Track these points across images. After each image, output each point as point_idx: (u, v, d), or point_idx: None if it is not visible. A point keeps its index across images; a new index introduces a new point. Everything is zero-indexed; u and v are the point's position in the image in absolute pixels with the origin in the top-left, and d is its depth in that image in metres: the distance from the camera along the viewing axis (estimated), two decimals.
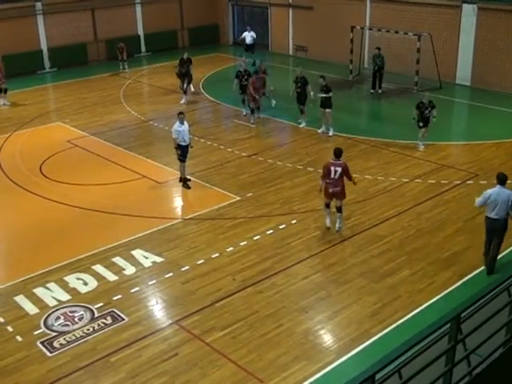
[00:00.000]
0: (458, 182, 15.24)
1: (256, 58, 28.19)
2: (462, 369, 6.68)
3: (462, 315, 6.49)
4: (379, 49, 23.64)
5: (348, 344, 9.56)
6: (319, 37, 28.51)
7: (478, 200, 11.16)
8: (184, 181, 15.47)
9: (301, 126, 19.64)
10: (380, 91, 23.91)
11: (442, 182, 15.29)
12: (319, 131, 18.54)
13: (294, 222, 13.43)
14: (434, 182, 15.31)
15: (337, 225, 12.92)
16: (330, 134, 18.39)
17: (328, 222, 12.97)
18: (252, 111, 20.08)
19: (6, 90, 23.06)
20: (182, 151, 15.26)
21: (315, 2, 28.61)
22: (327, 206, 12.90)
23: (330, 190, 12.53)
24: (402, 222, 13.39)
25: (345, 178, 12.64)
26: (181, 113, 15.38)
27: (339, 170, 12.42)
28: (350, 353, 9.37)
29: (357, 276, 11.40)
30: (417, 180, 15.45)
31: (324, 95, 17.97)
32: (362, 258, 12.00)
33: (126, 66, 28.20)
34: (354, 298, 10.74)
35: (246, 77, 20.21)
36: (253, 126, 19.89)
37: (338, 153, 12.62)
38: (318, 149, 17.83)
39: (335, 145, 17.94)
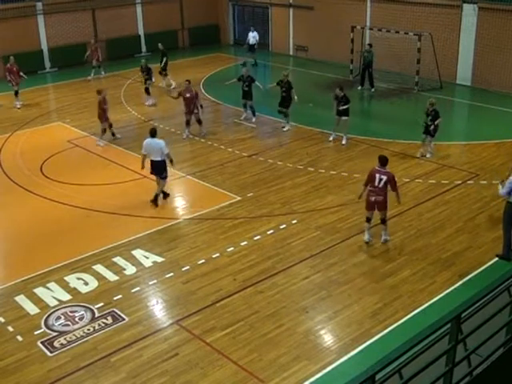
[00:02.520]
0: (459, 182, 15.24)
1: (257, 58, 28.28)
2: (463, 369, 6.67)
3: (463, 315, 6.49)
4: (370, 45, 23.77)
5: (348, 344, 9.56)
6: (320, 37, 28.51)
7: (502, 191, 11.29)
8: (157, 196, 14.49)
9: (284, 129, 19.51)
10: (373, 90, 23.91)
11: (443, 182, 15.29)
12: (330, 138, 18.37)
13: (294, 221, 13.43)
14: (434, 182, 15.31)
15: (382, 237, 12.46)
16: (344, 142, 18.08)
17: (367, 237, 12.44)
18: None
19: (16, 92, 23.01)
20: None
21: (316, 2, 28.61)
22: (368, 220, 12.36)
23: (372, 199, 12.06)
24: (402, 222, 13.39)
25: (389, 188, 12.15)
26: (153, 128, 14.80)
27: (384, 178, 11.93)
28: (351, 353, 9.38)
29: (357, 276, 11.40)
30: (417, 180, 15.45)
31: (344, 107, 17.69)
32: (362, 258, 12.00)
33: (102, 71, 27.28)
34: (355, 298, 10.74)
35: (247, 83, 20.00)
36: (254, 126, 19.85)
37: (384, 161, 12.13)
38: (318, 149, 17.83)
39: (335, 146, 18.06)
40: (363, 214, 13.68)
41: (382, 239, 12.52)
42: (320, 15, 28.47)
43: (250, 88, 20.02)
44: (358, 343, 9.56)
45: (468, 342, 6.73)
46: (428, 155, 16.65)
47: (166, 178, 14.48)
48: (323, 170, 16.22)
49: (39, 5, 28.05)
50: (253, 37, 28.26)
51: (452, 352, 6.39)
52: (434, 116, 16.32)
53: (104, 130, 18.74)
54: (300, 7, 29.55)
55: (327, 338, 9.84)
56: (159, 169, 14.34)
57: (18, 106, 22.87)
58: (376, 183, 12.00)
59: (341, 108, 17.76)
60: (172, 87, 24.53)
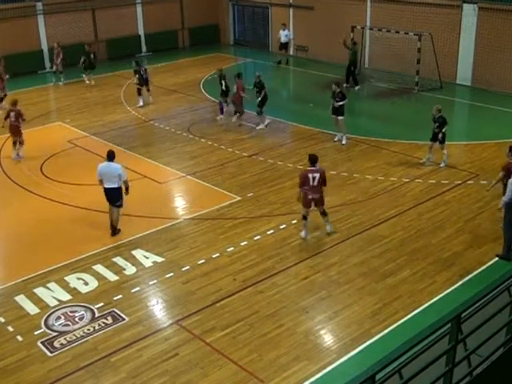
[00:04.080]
0: (459, 182, 15.24)
1: (286, 57, 28.05)
2: (463, 369, 6.68)
3: (463, 315, 6.50)
4: (355, 43, 23.84)
5: (349, 344, 9.57)
6: (320, 37, 28.50)
7: (506, 197, 11.34)
8: (111, 226, 13.15)
9: (258, 127, 19.61)
10: (357, 88, 23.99)
11: (443, 182, 15.28)
12: (335, 139, 18.33)
13: (294, 221, 13.43)
14: (434, 182, 15.31)
15: (327, 227, 12.89)
16: (344, 142, 18.07)
17: (303, 234, 12.72)
18: (235, 112, 20.02)
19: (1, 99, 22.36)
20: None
21: (316, 2, 28.60)
22: (304, 217, 12.64)
23: (310, 197, 12.40)
24: (402, 222, 13.40)
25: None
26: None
27: (317, 175, 12.31)
28: (351, 353, 9.39)
29: (357, 276, 11.40)
30: (417, 180, 15.45)
31: (341, 103, 17.65)
32: (362, 258, 12.01)
33: (62, 78, 26.15)
34: (355, 298, 10.75)
35: (257, 89, 19.87)
36: (258, 127, 19.79)
37: (313, 160, 12.48)
38: (318, 149, 17.74)
39: (335, 146, 18.05)
40: (363, 213, 13.77)
41: (327, 229, 12.88)
42: (320, 15, 28.46)
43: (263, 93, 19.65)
44: (357, 343, 9.57)
45: (468, 341, 6.74)
46: (442, 164, 16.17)
47: (121, 206, 12.99)
48: None
49: (39, 5, 28.06)
50: (285, 35, 28.04)
51: (452, 352, 6.40)
52: (441, 123, 15.79)
53: (18, 143, 17.53)
54: (300, 7, 29.55)
55: (327, 338, 9.85)
56: (115, 196, 12.86)
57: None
58: (311, 182, 12.30)
59: (336, 104, 17.67)
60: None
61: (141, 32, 31.49)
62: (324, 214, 12.79)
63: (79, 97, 24.30)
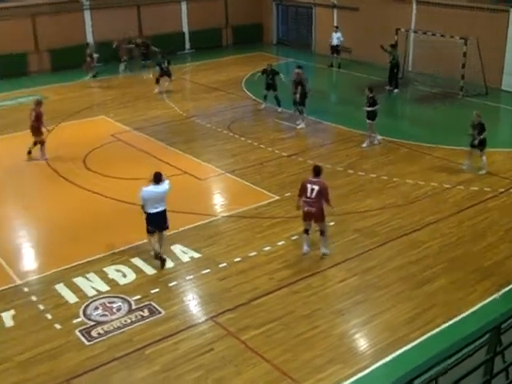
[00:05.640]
0: (502, 190, 14.98)
1: (337, 61, 27.96)
2: (500, 381, 6.58)
3: (502, 326, 6.40)
4: (393, 46, 23.90)
5: (384, 349, 9.48)
6: (363, 38, 28.30)
7: None
8: (158, 257, 11.83)
9: (298, 126, 19.78)
10: (396, 91, 24.01)
11: (485, 189, 15.03)
12: (375, 142, 18.17)
13: (332, 223, 13.33)
14: (476, 189, 15.07)
15: (321, 250, 12.08)
16: (376, 142, 18.09)
17: (305, 249, 12.07)
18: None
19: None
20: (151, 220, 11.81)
21: (361, 3, 28.43)
22: (305, 231, 12.03)
23: (305, 209, 11.70)
24: (442, 228, 13.22)
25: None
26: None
27: (316, 188, 11.54)
28: (386, 358, 9.29)
29: (394, 281, 11.30)
30: (459, 186, 15.22)
31: (369, 109, 17.63)
32: (400, 263, 11.89)
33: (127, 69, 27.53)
34: (391, 303, 10.65)
35: (271, 76, 20.96)
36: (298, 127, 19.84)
37: (316, 171, 11.77)
38: (358, 151, 17.73)
39: (375, 148, 17.91)
40: (403, 218, 13.64)
41: (321, 252, 12.09)
42: (365, 16, 28.26)
43: (274, 81, 20.89)
44: (393, 349, 9.47)
45: (506, 354, 6.62)
46: (482, 171, 15.89)
47: (168, 227, 12.01)
48: (363, 173, 16.13)
49: (86, 0, 28.49)
50: (337, 38, 27.82)
51: (490, 363, 6.30)
52: (480, 129, 15.56)
53: (38, 143, 17.33)
54: (345, 8, 29.40)
55: (362, 342, 9.80)
56: (165, 218, 11.78)
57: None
58: (308, 193, 11.61)
59: (365, 109, 17.68)
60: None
61: (185, 29, 31.72)
62: (322, 233, 11.96)
63: (123, 91, 24.62)
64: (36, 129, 17.25)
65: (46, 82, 26.16)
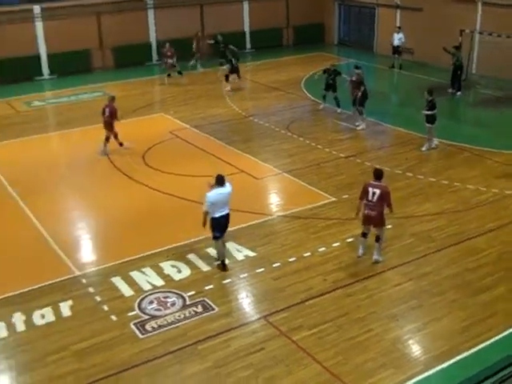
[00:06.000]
0: None
1: (398, 62, 27.63)
2: None
3: None
4: (457, 47, 23.27)
5: (437, 357, 9.30)
6: (426, 39, 27.80)
7: None
8: (222, 262, 11.84)
9: (358, 128, 19.57)
10: (458, 93, 23.27)
11: None
12: (433, 145, 17.84)
13: (389, 226, 13.12)
14: None
15: (374, 256, 11.87)
16: (433, 145, 17.76)
17: (360, 252, 12.02)
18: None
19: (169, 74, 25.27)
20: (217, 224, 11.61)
21: (425, 4, 27.94)
22: (363, 235, 11.96)
23: (366, 212, 11.59)
24: (502, 235, 12.86)
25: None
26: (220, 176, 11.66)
27: (377, 191, 11.46)
28: (439, 366, 9.11)
29: (450, 288, 11.06)
30: None
31: (428, 112, 17.32)
32: (456, 270, 11.63)
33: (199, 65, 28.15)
34: (446, 310, 10.44)
35: (332, 76, 20.80)
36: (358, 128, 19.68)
37: (376, 175, 11.71)
38: (418, 154, 17.44)
39: (435, 152, 17.59)
40: (461, 224, 13.34)
41: (373, 258, 11.89)
42: (428, 17, 27.75)
43: (334, 81, 20.81)
44: (446, 357, 9.28)
45: None
46: None
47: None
48: (422, 176, 15.86)
49: None
50: (398, 38, 27.43)
51: None
52: None
53: (110, 138, 17.86)
54: (408, 8, 28.96)
55: (415, 349, 9.64)
56: (228, 222, 11.71)
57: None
58: (370, 197, 11.52)
59: (424, 112, 17.41)
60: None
61: (246, 29, 31.87)
62: (378, 239, 11.79)
63: (183, 88, 24.94)
64: (109, 124, 17.79)
65: (109, 78, 26.78)
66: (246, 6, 31.62)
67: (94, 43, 27.97)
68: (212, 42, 28.00)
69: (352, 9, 33.03)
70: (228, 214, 11.53)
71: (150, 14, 29.24)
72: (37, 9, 26.48)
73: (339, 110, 20.96)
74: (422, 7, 28.11)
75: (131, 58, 28.27)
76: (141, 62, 28.75)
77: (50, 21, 26.76)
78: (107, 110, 17.71)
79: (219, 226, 11.48)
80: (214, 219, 11.41)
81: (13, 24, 25.92)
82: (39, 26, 26.75)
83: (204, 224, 11.48)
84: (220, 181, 11.46)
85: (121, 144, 17.89)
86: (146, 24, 29.21)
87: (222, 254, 11.72)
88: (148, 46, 29.32)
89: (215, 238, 11.60)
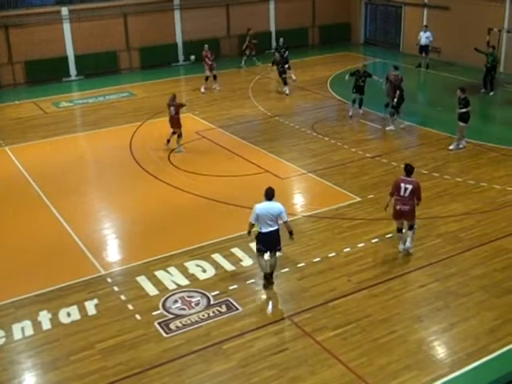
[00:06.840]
0: None
1: (425, 61, 27.35)
2: None
3: None
4: (494, 47, 22.96)
5: (463, 359, 9.20)
6: (454, 38, 27.52)
7: None
8: (268, 280, 11.30)
9: (387, 128, 19.40)
10: (491, 94, 23.03)
11: None
12: (460, 146, 17.62)
13: (415, 227, 13.09)
14: None
15: (406, 244, 12.12)
16: (461, 146, 17.56)
17: (401, 247, 12.20)
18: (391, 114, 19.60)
19: (215, 76, 24.84)
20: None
21: (452, 2, 27.65)
22: (399, 230, 12.17)
23: (398, 207, 11.81)
24: None
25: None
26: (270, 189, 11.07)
27: (410, 187, 11.68)
28: (465, 368, 9.01)
29: (477, 289, 10.93)
30: None
31: (463, 110, 17.10)
32: (483, 271, 11.50)
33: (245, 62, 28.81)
34: (473, 311, 10.32)
35: (363, 78, 20.32)
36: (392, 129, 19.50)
37: (407, 170, 11.90)
38: (444, 154, 17.27)
39: (462, 152, 17.39)
40: (488, 224, 13.18)
41: (405, 245, 12.12)
42: (455, 16, 27.47)
43: (365, 83, 20.41)
44: (472, 359, 9.18)
45: None
46: None
47: (280, 249, 11.36)
48: (448, 177, 15.70)
49: (176, 0, 29.13)
50: (426, 37, 27.10)
51: None
52: None
53: (177, 135, 18.21)
54: (435, 7, 28.68)
55: (441, 350, 9.53)
56: (278, 239, 11.11)
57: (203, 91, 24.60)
58: (402, 192, 11.75)
59: (458, 111, 17.17)
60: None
61: (272, 29, 31.85)
62: (411, 228, 12.05)
63: (209, 90, 24.98)
64: (176, 120, 18.18)
65: (136, 79, 27.02)
66: (272, 5, 31.59)
67: (120, 44, 28.21)
68: (272, 51, 27.87)
69: (378, 8, 32.82)
70: (276, 231, 10.94)
71: (177, 14, 29.38)
72: (64, 10, 26.81)
73: (361, 111, 20.77)
74: (448, 6, 27.82)
75: (157, 59, 28.47)
76: (167, 63, 28.89)
77: (77, 22, 27.08)
78: (172, 108, 18.12)
79: (264, 241, 11.00)
80: (260, 234, 11.01)
81: (41, 26, 26.30)
82: (67, 27, 27.06)
83: (249, 233, 11.19)
84: (268, 194, 10.93)
85: (168, 141, 18.26)
86: (172, 25, 29.35)
87: (264, 268, 11.23)
88: (174, 46, 29.45)
89: (258, 250, 11.17)
